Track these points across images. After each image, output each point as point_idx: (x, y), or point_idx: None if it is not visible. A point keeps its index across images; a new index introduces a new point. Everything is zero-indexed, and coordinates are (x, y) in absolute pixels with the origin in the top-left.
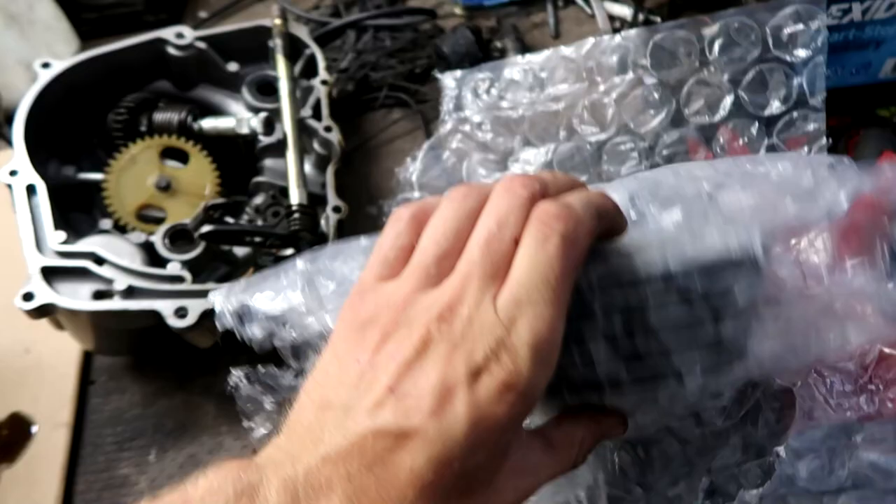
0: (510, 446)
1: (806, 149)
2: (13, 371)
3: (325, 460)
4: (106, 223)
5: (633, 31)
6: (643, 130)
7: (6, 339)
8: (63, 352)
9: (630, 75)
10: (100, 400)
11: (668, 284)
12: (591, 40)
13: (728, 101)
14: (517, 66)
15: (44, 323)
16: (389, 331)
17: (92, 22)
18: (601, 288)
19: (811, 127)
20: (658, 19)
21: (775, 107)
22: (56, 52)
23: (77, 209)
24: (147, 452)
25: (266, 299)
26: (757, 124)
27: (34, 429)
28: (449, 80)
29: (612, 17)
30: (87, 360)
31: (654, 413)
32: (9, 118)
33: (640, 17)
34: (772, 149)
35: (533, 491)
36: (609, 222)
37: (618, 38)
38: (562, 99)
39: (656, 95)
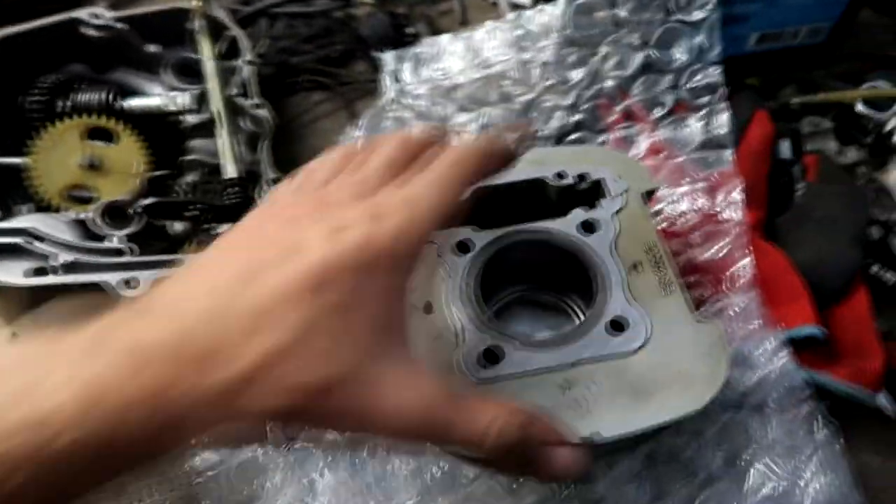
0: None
1: (708, 98)
2: None
3: None
4: (23, 209)
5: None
6: (565, 88)
7: None
8: None
9: (554, 38)
10: None
11: None
12: (520, 11)
13: (639, 57)
14: (453, 41)
15: None
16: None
17: None
18: None
19: (712, 78)
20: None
21: (680, 61)
22: None
23: None
24: None
25: None
26: (666, 78)
27: None
28: (388, 57)
29: (513, 6)
30: None
31: None
32: None
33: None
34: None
35: (416, 423)
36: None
37: (544, 7)
38: (493, 65)
39: (576, 56)
